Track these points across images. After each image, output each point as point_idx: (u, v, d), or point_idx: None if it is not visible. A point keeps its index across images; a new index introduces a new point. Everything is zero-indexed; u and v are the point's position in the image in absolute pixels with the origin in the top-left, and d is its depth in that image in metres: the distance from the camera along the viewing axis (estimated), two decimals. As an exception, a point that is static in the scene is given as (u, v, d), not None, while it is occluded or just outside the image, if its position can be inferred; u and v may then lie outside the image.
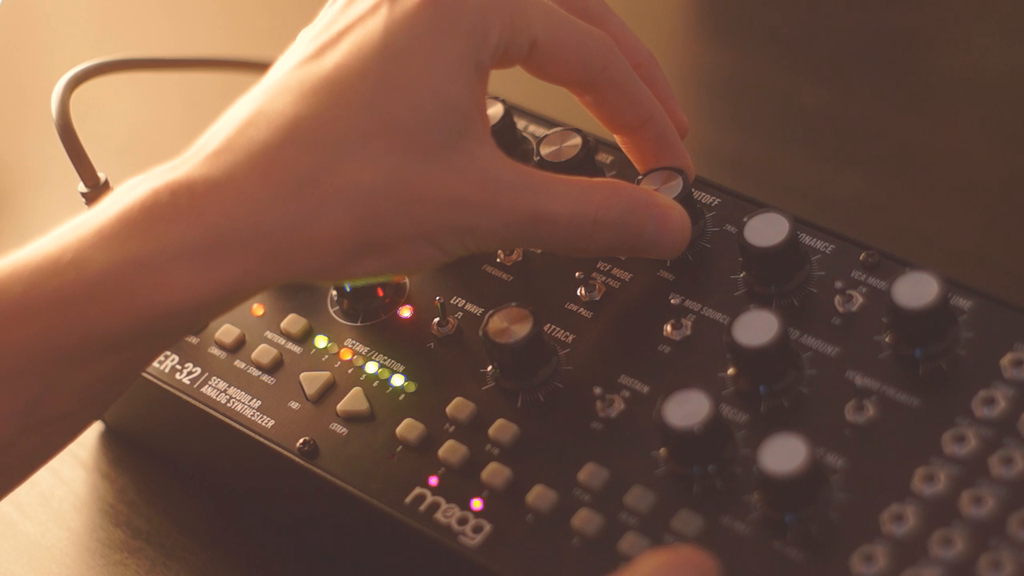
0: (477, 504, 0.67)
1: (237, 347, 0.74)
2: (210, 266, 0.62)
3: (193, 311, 0.62)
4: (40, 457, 0.66)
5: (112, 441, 0.82)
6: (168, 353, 0.75)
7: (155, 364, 0.75)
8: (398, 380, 0.72)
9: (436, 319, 0.73)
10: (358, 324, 0.74)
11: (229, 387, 0.73)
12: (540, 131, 0.78)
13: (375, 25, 0.64)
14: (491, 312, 0.69)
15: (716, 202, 0.74)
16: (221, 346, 0.75)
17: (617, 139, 0.73)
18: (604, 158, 0.76)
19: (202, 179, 0.62)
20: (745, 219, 0.69)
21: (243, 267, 0.62)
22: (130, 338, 0.62)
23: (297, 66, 0.65)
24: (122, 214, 0.62)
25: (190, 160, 0.63)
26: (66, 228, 0.63)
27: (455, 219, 0.64)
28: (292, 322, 0.74)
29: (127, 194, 0.62)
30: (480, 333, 0.69)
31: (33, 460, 0.66)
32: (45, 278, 0.62)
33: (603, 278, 0.73)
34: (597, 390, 0.68)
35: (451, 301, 0.73)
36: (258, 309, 0.75)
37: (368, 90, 0.63)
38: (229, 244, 0.62)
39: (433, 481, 0.68)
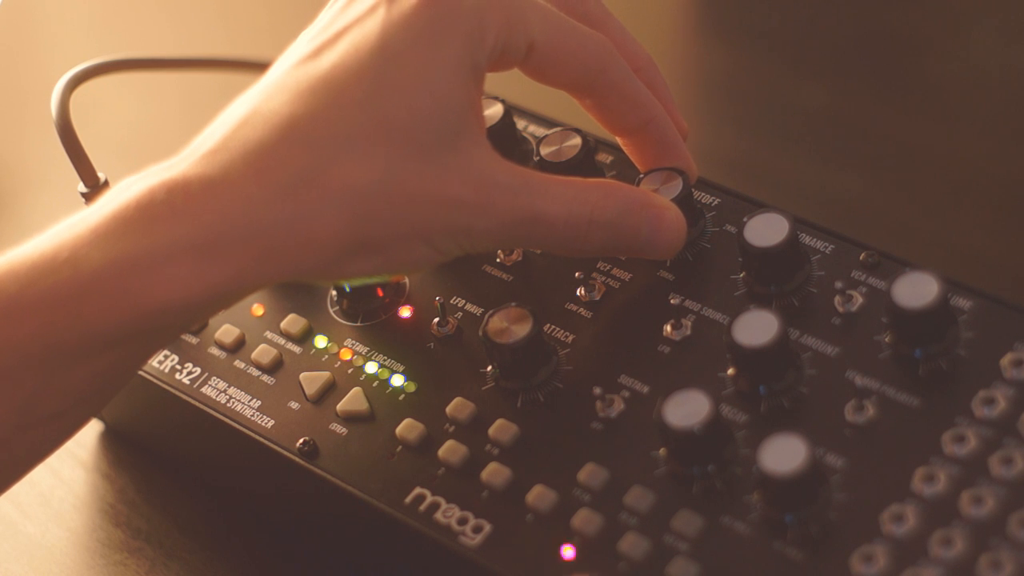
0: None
1: (237, 347, 0.74)
2: (205, 264, 0.62)
3: (188, 309, 0.62)
4: (37, 455, 0.66)
5: (112, 441, 0.82)
6: (168, 353, 0.75)
7: (155, 364, 0.75)
8: (398, 380, 0.72)
9: (436, 319, 0.73)
10: (358, 324, 0.74)
11: (229, 387, 0.73)
12: (540, 131, 0.78)
13: (373, 26, 0.64)
14: (491, 312, 0.69)
15: (716, 202, 0.74)
16: (221, 346, 0.75)
17: (619, 141, 0.73)
18: (604, 158, 0.76)
19: (197, 178, 0.62)
20: (745, 219, 0.69)
21: (238, 266, 0.62)
22: (126, 336, 0.62)
23: (294, 66, 0.65)
24: (118, 212, 0.62)
25: (186, 159, 0.63)
26: (62, 226, 0.63)
27: (450, 220, 0.64)
28: (292, 322, 0.74)
29: (123, 192, 0.63)
30: (480, 333, 0.69)
31: (30, 458, 0.66)
32: (41, 276, 0.62)
33: (603, 278, 0.73)
34: (597, 390, 0.68)
35: (451, 301, 0.73)
36: (258, 309, 0.75)
37: (364, 90, 0.63)
38: (224, 243, 0.62)
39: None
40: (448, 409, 0.70)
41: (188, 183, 0.62)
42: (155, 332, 0.63)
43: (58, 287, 0.61)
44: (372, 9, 0.65)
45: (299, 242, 0.63)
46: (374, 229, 0.64)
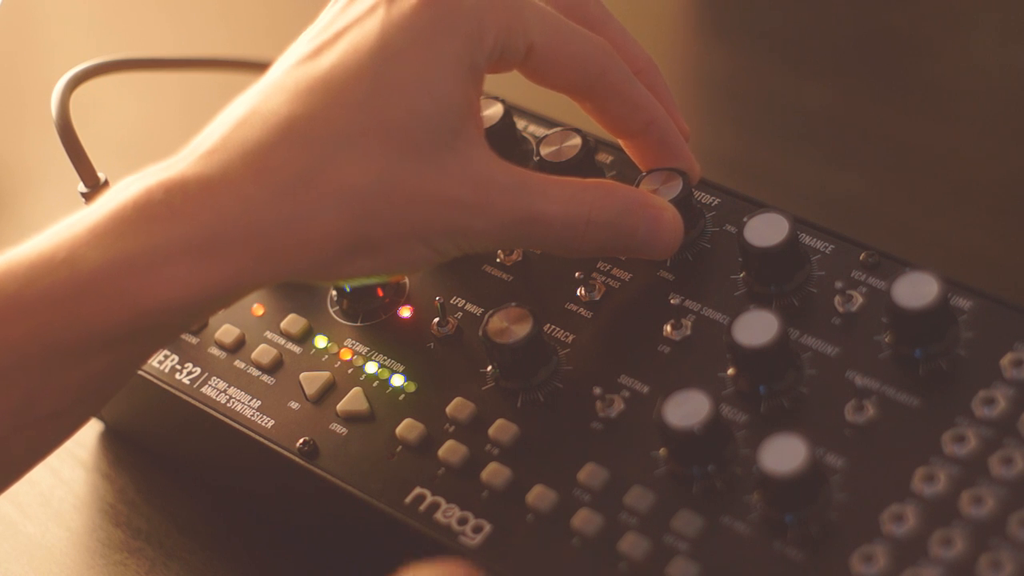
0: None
1: (237, 347, 0.74)
2: (203, 264, 0.62)
3: (186, 309, 0.62)
4: (35, 455, 0.66)
5: (112, 441, 0.82)
6: (168, 353, 0.75)
7: (155, 364, 0.75)
8: (398, 380, 0.72)
9: (436, 319, 0.73)
10: (358, 324, 0.74)
11: (229, 387, 0.73)
12: (540, 131, 0.78)
13: (372, 26, 0.64)
14: (491, 312, 0.69)
15: (716, 202, 0.74)
16: (221, 346, 0.75)
17: (621, 143, 0.73)
18: (604, 158, 0.76)
19: (196, 178, 0.62)
20: (745, 219, 0.69)
21: (236, 266, 0.62)
22: (124, 336, 0.62)
23: (294, 66, 0.65)
24: (116, 212, 0.62)
25: (185, 159, 0.63)
26: (61, 226, 0.63)
27: (449, 220, 0.64)
28: (292, 322, 0.74)
29: (121, 192, 0.63)
30: (480, 333, 0.69)
31: (28, 458, 0.66)
32: (39, 276, 0.62)
33: (603, 278, 0.73)
34: (597, 390, 0.68)
35: (451, 301, 0.73)
36: (258, 309, 0.75)
37: (363, 90, 0.63)
38: (222, 242, 0.62)
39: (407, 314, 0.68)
40: (448, 409, 0.70)
41: (186, 183, 0.62)
42: (153, 332, 0.63)
43: (56, 287, 0.61)
44: (372, 9, 0.65)
45: (297, 242, 0.63)
46: (372, 229, 0.64)
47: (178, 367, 0.74)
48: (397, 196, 0.63)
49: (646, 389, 0.69)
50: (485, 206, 0.65)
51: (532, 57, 0.67)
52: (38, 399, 0.63)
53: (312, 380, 0.72)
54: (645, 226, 0.68)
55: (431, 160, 0.64)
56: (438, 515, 0.67)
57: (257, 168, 0.62)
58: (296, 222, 0.62)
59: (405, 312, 0.74)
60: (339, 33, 0.65)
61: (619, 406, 0.68)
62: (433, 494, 0.68)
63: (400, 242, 0.64)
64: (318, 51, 0.65)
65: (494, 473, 0.68)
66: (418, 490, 0.68)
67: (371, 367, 0.72)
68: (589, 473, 0.67)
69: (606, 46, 0.69)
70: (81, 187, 0.75)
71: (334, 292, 0.75)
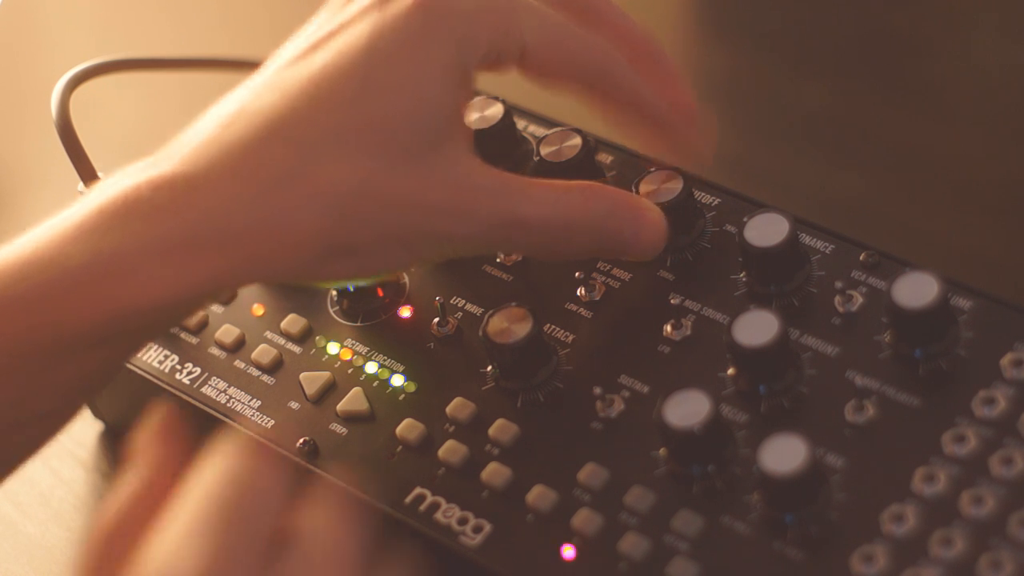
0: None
1: (237, 347, 0.74)
2: (186, 263, 0.62)
3: (170, 307, 0.62)
4: (24, 453, 0.66)
5: (112, 441, 0.82)
6: (168, 353, 0.75)
7: (155, 364, 0.75)
8: (398, 380, 0.72)
9: (436, 319, 0.73)
10: (358, 324, 0.74)
11: (229, 387, 0.73)
12: (540, 131, 0.78)
13: (363, 28, 0.64)
14: (491, 312, 0.69)
15: (716, 202, 0.74)
16: (221, 346, 0.75)
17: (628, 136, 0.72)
18: (604, 158, 0.76)
19: (181, 175, 0.62)
20: (745, 219, 0.69)
21: (218, 265, 0.62)
22: (111, 335, 0.62)
23: (284, 66, 0.65)
24: (100, 209, 0.62)
25: (171, 156, 0.63)
26: (46, 225, 0.63)
27: (429, 225, 0.64)
28: (292, 322, 0.74)
29: (107, 189, 0.62)
30: (480, 333, 0.69)
31: (18, 457, 0.66)
32: (25, 275, 0.61)
33: (603, 278, 0.73)
34: (597, 390, 0.68)
35: (451, 301, 0.73)
36: (258, 309, 0.75)
37: (351, 91, 0.63)
38: (205, 241, 0.62)
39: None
40: (448, 409, 0.70)
41: (172, 181, 0.62)
42: (138, 330, 0.63)
43: (41, 287, 0.61)
44: (364, 12, 0.65)
45: (277, 242, 0.62)
46: (353, 232, 0.63)
47: (178, 367, 0.74)
48: (380, 199, 0.63)
49: (646, 389, 0.69)
50: (467, 211, 0.64)
51: (528, 58, 0.67)
52: (31, 398, 0.63)
53: (312, 380, 0.72)
54: (629, 228, 0.68)
55: (415, 163, 0.64)
56: (438, 515, 0.67)
57: (243, 167, 0.62)
58: (276, 223, 0.62)
59: (405, 312, 0.74)
60: (331, 34, 0.65)
61: (619, 406, 0.68)
62: (433, 494, 0.68)
63: (380, 245, 0.64)
64: (309, 51, 0.65)
65: (494, 473, 0.68)
66: (418, 490, 0.68)
67: (371, 367, 0.72)
68: (589, 473, 0.67)
69: (604, 45, 0.68)
70: (81, 187, 0.75)
71: (334, 292, 0.75)
